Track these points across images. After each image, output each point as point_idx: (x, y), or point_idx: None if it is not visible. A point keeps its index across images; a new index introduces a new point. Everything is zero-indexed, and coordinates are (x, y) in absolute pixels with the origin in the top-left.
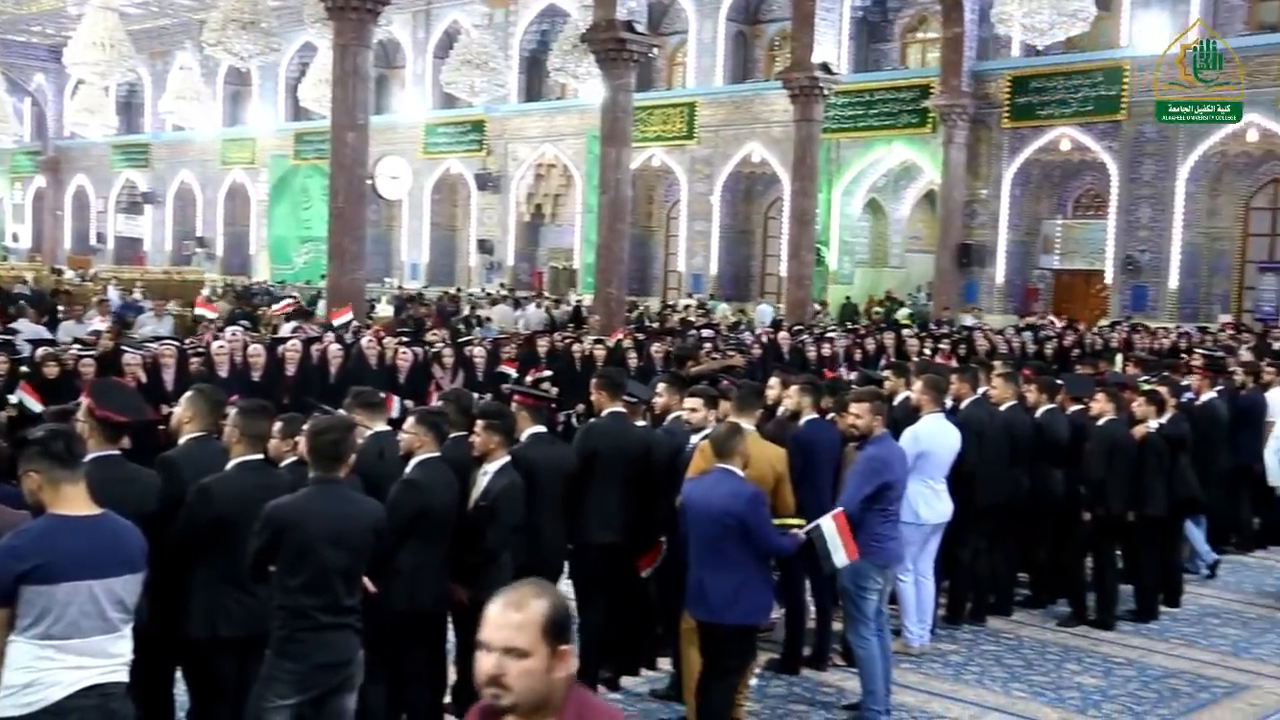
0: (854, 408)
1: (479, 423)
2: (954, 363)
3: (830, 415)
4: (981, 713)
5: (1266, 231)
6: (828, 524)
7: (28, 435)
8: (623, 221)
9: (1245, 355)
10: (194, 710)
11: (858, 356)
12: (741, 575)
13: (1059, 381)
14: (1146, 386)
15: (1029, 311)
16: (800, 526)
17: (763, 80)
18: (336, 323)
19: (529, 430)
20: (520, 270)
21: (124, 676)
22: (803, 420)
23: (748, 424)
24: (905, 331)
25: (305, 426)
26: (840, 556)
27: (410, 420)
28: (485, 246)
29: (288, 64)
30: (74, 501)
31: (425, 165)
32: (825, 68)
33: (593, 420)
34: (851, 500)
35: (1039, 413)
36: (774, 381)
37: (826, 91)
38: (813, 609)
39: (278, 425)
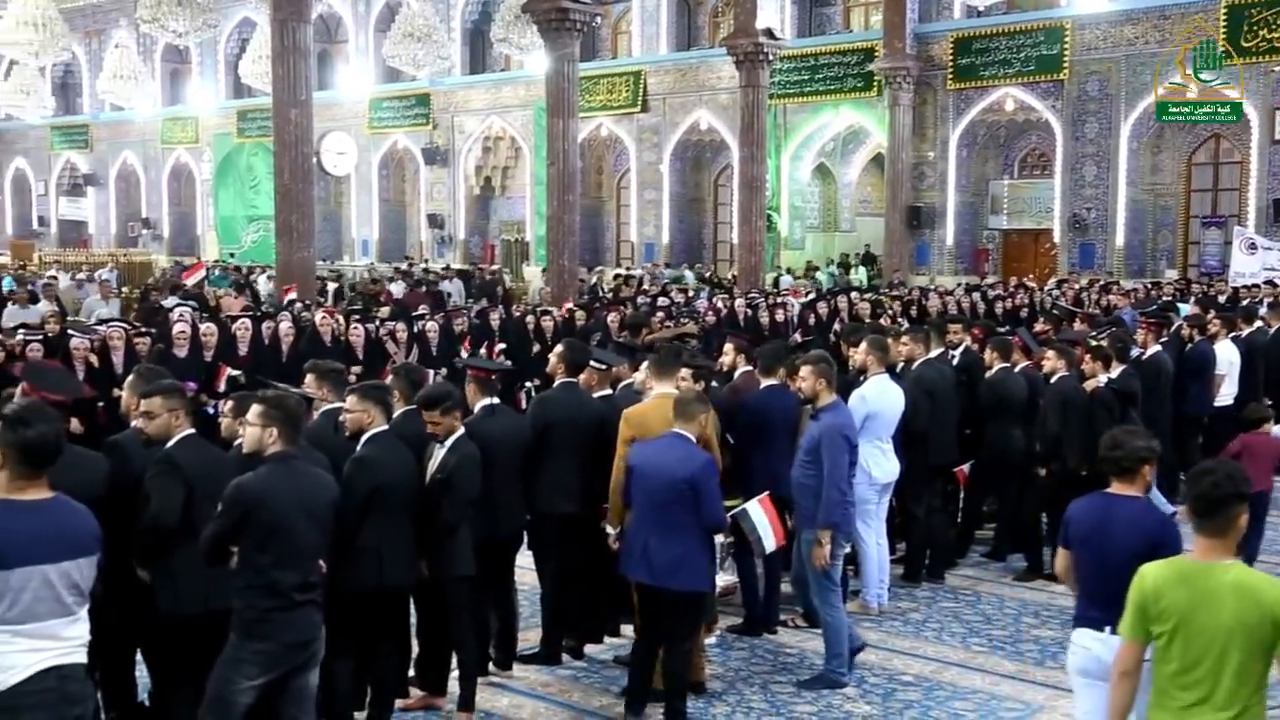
0: (802, 370)
1: (425, 413)
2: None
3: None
4: (942, 668)
5: (1208, 187)
6: (754, 508)
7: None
8: (572, 193)
9: (1191, 309)
10: (155, 690)
11: (811, 321)
12: (686, 542)
13: (1009, 339)
14: (1094, 343)
15: (979, 272)
16: (732, 508)
17: (708, 47)
18: (286, 300)
19: (481, 403)
20: (472, 244)
21: (82, 658)
22: (762, 385)
23: (669, 388)
24: (855, 295)
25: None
26: (770, 541)
27: (352, 397)
28: (435, 221)
29: (227, 40)
30: (27, 486)
31: (372, 140)
32: (769, 33)
33: (546, 392)
34: (841, 477)
35: (992, 371)
36: (728, 348)
37: (771, 57)
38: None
39: (229, 405)
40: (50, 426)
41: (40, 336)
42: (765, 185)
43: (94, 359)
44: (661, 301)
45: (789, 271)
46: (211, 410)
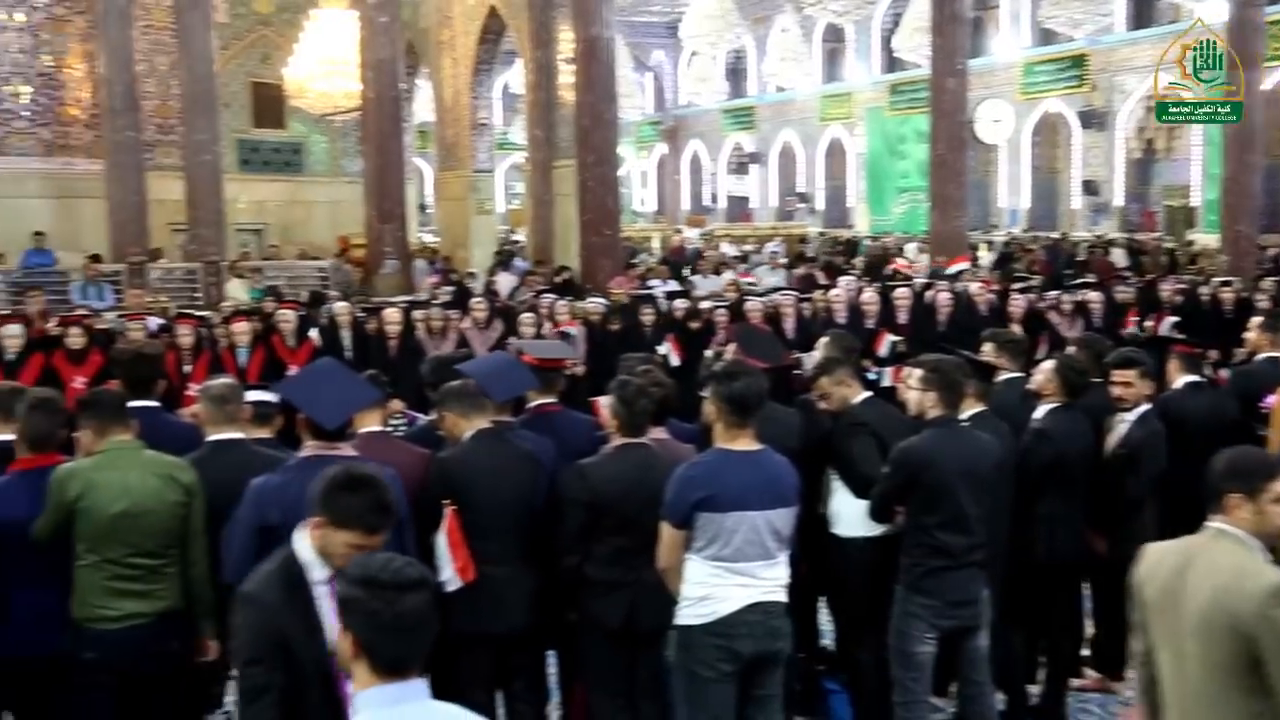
0: None
1: (1132, 371)
2: None
3: None
4: None
5: None
6: None
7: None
8: (1253, 152)
9: None
10: (839, 637)
11: None
12: None
13: None
14: None
15: None
16: None
17: None
18: (950, 271)
19: (1182, 379)
20: (1130, 211)
21: (782, 597)
22: None
23: None
24: None
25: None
26: None
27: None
28: (1091, 188)
29: (881, 16)
30: (739, 436)
31: (1023, 107)
32: None
33: (1241, 364)
34: None
35: None
36: None
37: None
38: None
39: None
40: (754, 379)
41: (725, 304)
42: None
43: (766, 324)
44: None
45: None
46: (873, 375)
